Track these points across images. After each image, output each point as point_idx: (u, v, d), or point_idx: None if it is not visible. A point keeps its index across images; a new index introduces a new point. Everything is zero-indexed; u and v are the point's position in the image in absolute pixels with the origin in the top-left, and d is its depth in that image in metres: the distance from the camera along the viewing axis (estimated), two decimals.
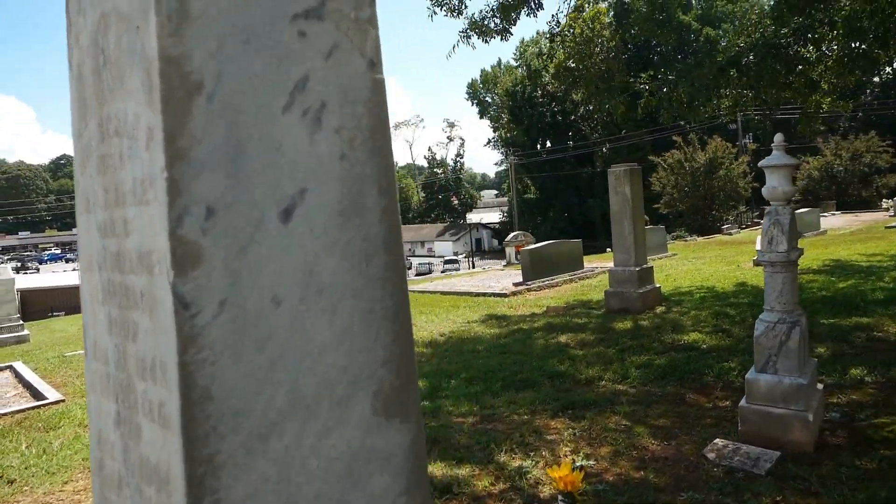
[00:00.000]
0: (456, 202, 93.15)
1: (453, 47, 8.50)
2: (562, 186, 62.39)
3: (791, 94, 7.59)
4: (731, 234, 26.36)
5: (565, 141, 66.31)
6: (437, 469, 3.76)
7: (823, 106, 9.42)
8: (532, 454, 3.89)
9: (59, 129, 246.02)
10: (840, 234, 19.77)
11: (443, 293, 13.74)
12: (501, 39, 8.07)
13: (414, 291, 14.71)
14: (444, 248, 77.09)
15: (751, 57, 6.84)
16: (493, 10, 7.71)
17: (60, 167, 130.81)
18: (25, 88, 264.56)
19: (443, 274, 43.44)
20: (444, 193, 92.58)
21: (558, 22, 7.77)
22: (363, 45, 1.14)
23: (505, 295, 12.24)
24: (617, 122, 53.31)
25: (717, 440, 3.93)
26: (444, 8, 7.76)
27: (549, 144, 66.46)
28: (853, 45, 6.27)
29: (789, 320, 3.84)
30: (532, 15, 8.03)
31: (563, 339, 7.46)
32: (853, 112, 54.00)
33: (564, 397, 5.06)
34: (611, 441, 4.06)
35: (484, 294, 12.71)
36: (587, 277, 13.52)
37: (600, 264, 15.81)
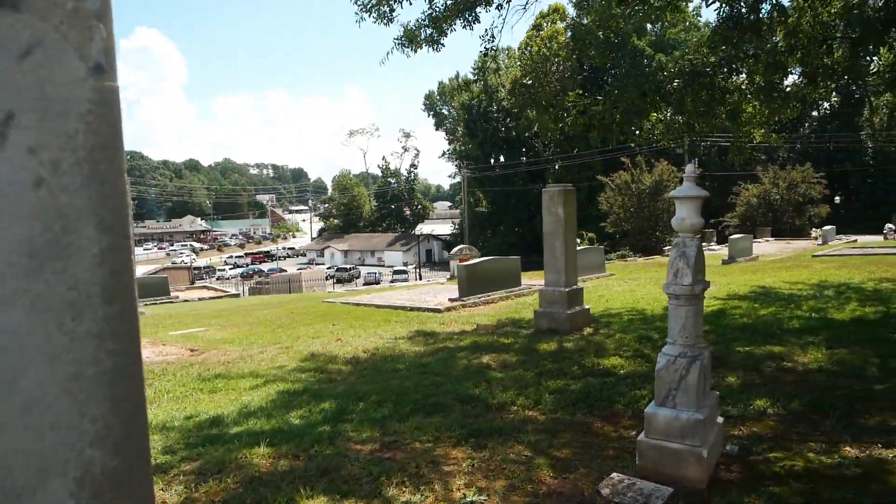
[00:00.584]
0: (408, 212, 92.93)
1: (387, 54, 8.36)
2: (513, 201, 63.03)
3: (715, 122, 7.74)
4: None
5: (518, 157, 67.12)
6: None
7: (756, 137, 9.67)
8: (423, 488, 3.70)
9: None
10: (770, 260, 20.45)
11: (377, 306, 13.50)
12: (432, 50, 7.97)
13: (349, 304, 14.43)
14: (394, 258, 76.66)
15: (675, 83, 6.94)
16: (427, 19, 7.60)
17: None
18: None
19: (390, 284, 43.15)
20: (396, 203, 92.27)
21: (492, 37, 7.73)
22: (84, 45, 0.94)
23: (439, 310, 12.09)
24: (567, 135, 54.22)
25: (613, 474, 3.83)
26: (374, 15, 7.60)
27: (502, 159, 67.10)
28: (775, 79, 6.41)
29: (690, 354, 3.78)
30: (468, 27, 7.97)
31: (485, 359, 7.34)
32: (792, 143, 56.52)
33: (472, 424, 4.91)
34: (508, 474, 3.92)
35: (418, 309, 12.53)
36: (524, 295, 13.51)
37: (539, 282, 15.85)
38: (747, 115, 7.69)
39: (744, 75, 7.46)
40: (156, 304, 22.68)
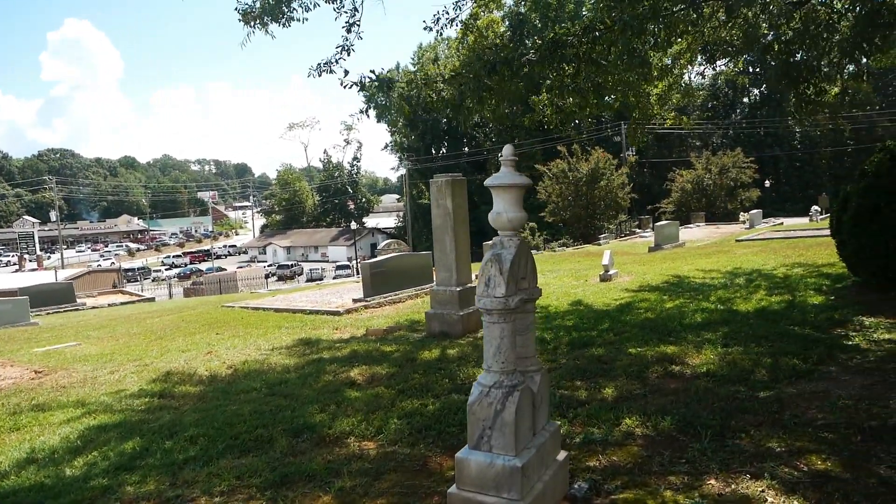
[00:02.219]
0: (352, 206, 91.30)
1: (247, 36, 7.36)
2: None
3: (579, 98, 7.06)
4: (600, 244, 26.70)
5: (460, 147, 66.48)
6: None
7: (657, 112, 9.08)
8: None
9: None
10: (696, 246, 20.28)
11: (277, 310, 12.49)
12: (282, 27, 7.02)
13: (247, 308, 13.38)
14: (338, 253, 75.13)
15: (530, 54, 6.17)
16: None
17: None
18: None
19: (333, 280, 41.82)
20: (340, 197, 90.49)
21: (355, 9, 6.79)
22: None
23: (338, 313, 11.18)
24: (508, 125, 53.76)
25: None
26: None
27: (444, 151, 66.36)
28: (633, 47, 5.73)
29: (508, 384, 3.01)
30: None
31: (354, 372, 6.49)
32: (724, 129, 57.66)
33: (286, 466, 4.05)
34: None
35: (318, 312, 11.59)
36: None
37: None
38: (613, 86, 7.01)
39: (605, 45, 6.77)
40: (59, 311, 21.04)
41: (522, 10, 57.09)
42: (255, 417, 5.12)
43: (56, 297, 22.05)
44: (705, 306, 8.38)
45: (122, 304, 23.78)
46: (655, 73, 6.97)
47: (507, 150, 3.20)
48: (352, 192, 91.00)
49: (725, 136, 58.71)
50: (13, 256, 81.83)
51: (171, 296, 40.72)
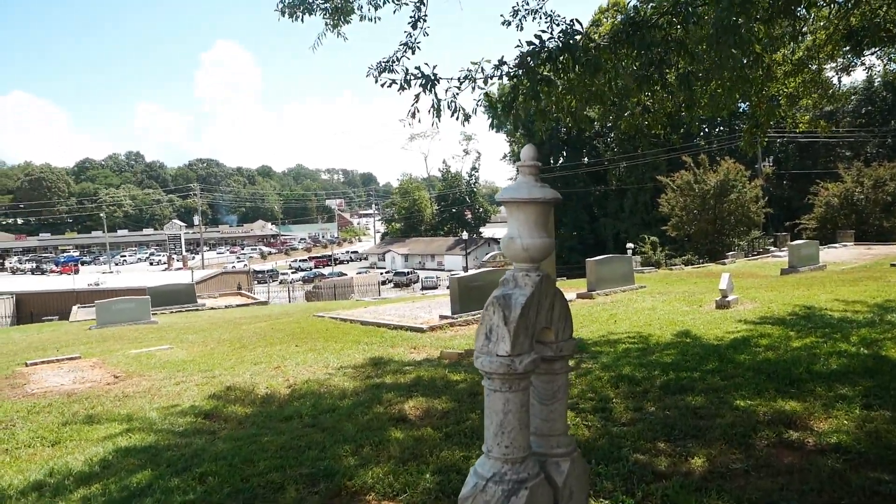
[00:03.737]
0: (469, 216, 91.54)
1: (318, 38, 6.96)
2: (573, 204, 60.46)
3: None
4: (725, 262, 24.27)
5: (579, 158, 64.47)
6: None
7: (783, 115, 7.63)
8: None
9: (87, 133, 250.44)
10: (839, 270, 17.70)
11: (363, 323, 12.14)
12: (371, 21, 6.50)
13: (336, 319, 13.17)
14: (454, 262, 75.44)
15: (600, 40, 5.07)
16: None
17: (84, 171, 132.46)
18: (60, 92, 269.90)
19: (445, 291, 41.80)
20: (458, 207, 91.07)
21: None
22: None
23: (421, 330, 10.59)
24: (630, 134, 51.32)
25: None
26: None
27: (561, 161, 64.68)
28: (729, 23, 4.44)
29: (511, 478, 2.17)
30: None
31: (408, 405, 5.81)
32: (881, 137, 51.31)
33: None
34: None
35: (402, 327, 11.08)
36: None
37: (575, 291, 14.05)
38: (707, 80, 5.68)
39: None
40: (180, 311, 22.29)
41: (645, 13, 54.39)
42: (277, 456, 4.56)
43: (179, 297, 23.41)
44: (843, 349, 6.85)
45: (238, 306, 24.85)
46: (777, 63, 5.71)
47: (527, 152, 2.37)
48: (469, 202, 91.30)
49: (882, 146, 52.20)
50: (164, 256, 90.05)
51: (290, 299, 42.59)
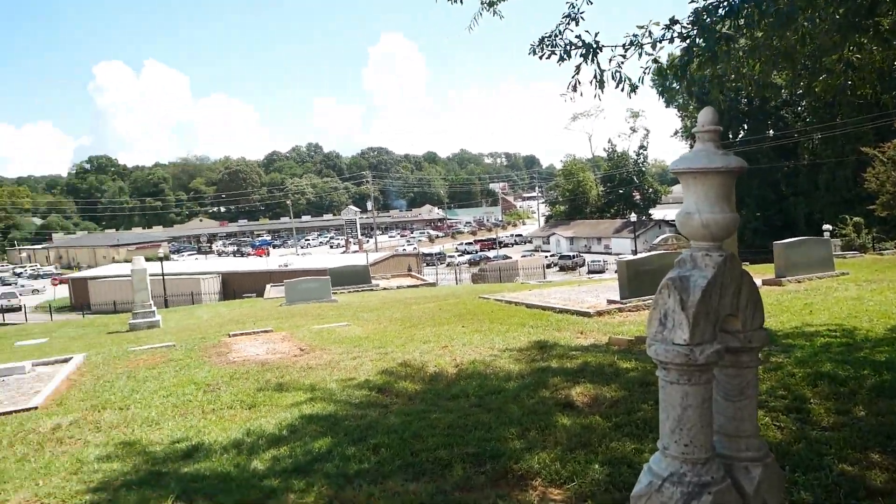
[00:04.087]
0: (638, 197, 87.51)
1: (474, 18, 6.87)
2: (756, 182, 55.21)
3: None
4: None
5: (763, 130, 58.62)
6: None
7: None
8: None
9: (272, 128, 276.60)
10: None
11: (528, 306, 12.07)
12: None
13: (502, 301, 13.23)
14: (622, 245, 72.69)
15: None
16: None
17: (272, 162, 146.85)
18: (249, 93, 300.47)
19: (613, 275, 40.49)
20: (625, 188, 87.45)
21: None
22: None
23: (588, 314, 10.29)
24: (827, 101, 45.52)
25: None
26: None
27: (742, 134, 59.22)
28: None
29: (692, 480, 1.97)
30: None
31: (575, 391, 5.65)
32: None
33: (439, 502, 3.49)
34: None
35: (567, 311, 10.84)
36: None
37: (764, 278, 12.86)
38: None
39: None
40: (357, 291, 23.88)
41: None
42: (445, 433, 4.66)
43: (355, 277, 25.10)
44: None
45: (408, 287, 26.07)
46: None
47: (706, 115, 2.11)
48: (637, 183, 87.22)
49: None
50: (342, 240, 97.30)
51: (457, 281, 43.83)
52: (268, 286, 29.31)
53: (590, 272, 53.72)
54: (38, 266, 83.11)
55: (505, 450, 4.28)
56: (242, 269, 49.58)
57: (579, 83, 5.36)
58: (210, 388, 6.92)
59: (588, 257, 66.48)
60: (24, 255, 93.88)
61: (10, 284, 61.65)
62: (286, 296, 19.84)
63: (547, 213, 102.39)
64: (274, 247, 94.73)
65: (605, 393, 5.56)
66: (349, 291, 23.32)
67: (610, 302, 11.11)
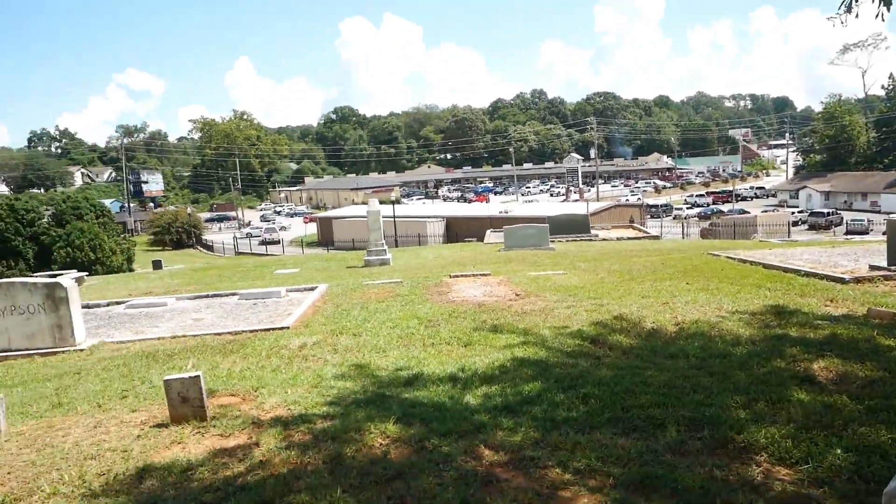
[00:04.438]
0: None
1: None
2: None
3: None
4: None
5: None
6: None
7: None
8: None
9: (498, 75, 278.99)
10: None
11: (765, 266, 10.85)
12: None
13: (733, 259, 12.04)
14: (893, 202, 61.50)
15: None
16: None
17: (496, 110, 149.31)
18: (477, 39, 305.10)
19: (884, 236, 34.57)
20: None
21: None
22: None
23: (842, 281, 8.93)
24: None
25: None
26: None
27: None
28: None
29: None
30: None
31: (817, 366, 4.99)
32: None
33: (661, 465, 3.33)
34: None
35: (816, 275, 9.52)
36: None
37: None
38: None
39: None
40: (575, 240, 23.63)
41: None
42: (659, 392, 4.43)
43: (574, 226, 24.81)
44: None
45: (629, 238, 25.06)
46: None
47: None
48: None
49: None
50: (562, 188, 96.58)
51: (684, 235, 41.05)
52: (487, 231, 30.36)
53: (848, 233, 46.39)
54: (293, 206, 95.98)
55: (726, 418, 3.94)
56: (465, 214, 52.05)
57: (856, 2, 4.47)
58: (431, 323, 7.42)
59: (847, 215, 57.42)
60: (282, 195, 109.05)
61: (270, 221, 72.14)
62: (504, 241, 20.37)
63: (798, 164, 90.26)
64: (495, 193, 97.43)
65: (857, 371, 4.81)
66: (567, 240, 23.16)
67: (873, 268, 9.51)
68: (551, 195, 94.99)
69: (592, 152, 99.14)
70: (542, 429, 3.89)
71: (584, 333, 6.52)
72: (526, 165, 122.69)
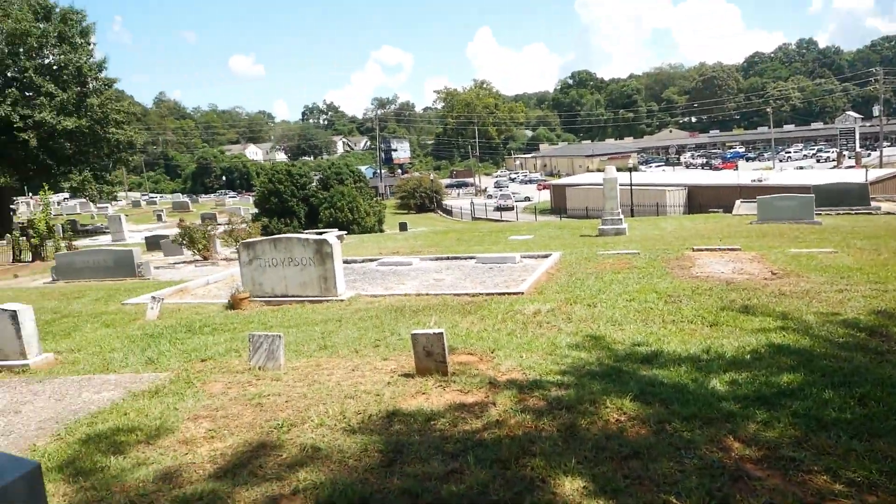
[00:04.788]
0: None
1: None
2: None
3: None
4: None
5: None
6: None
7: None
8: None
9: (757, 25, 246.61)
10: None
11: None
12: None
13: None
14: None
15: None
16: None
17: (753, 66, 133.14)
18: None
19: None
20: None
21: None
22: None
23: None
24: None
25: None
26: None
27: None
28: None
29: None
30: None
31: None
32: None
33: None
34: None
35: None
36: None
37: None
38: None
39: None
40: (849, 213, 20.36)
41: None
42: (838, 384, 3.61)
43: (847, 197, 21.30)
44: None
45: None
46: None
47: None
48: None
49: None
50: (832, 153, 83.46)
51: None
52: (737, 202, 27.55)
53: None
54: (528, 172, 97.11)
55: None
56: (710, 183, 47.82)
57: None
58: (671, 299, 6.98)
59: None
60: (517, 162, 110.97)
61: (504, 188, 73.84)
62: (758, 213, 18.28)
63: None
64: (746, 160, 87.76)
65: None
66: (837, 214, 20.00)
67: None
68: (818, 160, 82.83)
69: (876, 109, 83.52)
70: (805, 427, 3.41)
71: (860, 323, 5.58)
72: (787, 127, 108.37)
